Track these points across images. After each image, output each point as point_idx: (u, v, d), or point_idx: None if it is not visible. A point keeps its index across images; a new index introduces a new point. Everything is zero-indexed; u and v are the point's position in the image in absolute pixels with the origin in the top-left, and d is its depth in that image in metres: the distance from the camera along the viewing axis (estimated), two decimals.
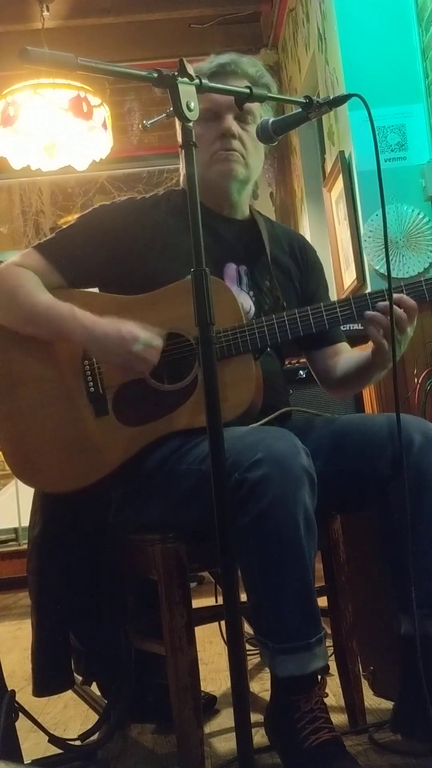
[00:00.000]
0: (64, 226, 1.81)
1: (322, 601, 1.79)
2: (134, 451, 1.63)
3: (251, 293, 1.76)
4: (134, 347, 1.58)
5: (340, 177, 3.31)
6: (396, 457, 1.55)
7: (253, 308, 1.75)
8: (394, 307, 1.56)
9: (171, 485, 1.58)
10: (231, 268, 1.76)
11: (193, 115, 1.31)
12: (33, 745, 1.78)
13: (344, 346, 1.88)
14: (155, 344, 1.60)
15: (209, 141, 1.74)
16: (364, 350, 1.74)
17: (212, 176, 1.75)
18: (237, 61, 1.76)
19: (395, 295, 1.57)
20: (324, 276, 1.96)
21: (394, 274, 3.01)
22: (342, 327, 1.84)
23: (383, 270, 3.03)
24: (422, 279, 1.59)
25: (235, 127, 1.74)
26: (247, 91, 1.47)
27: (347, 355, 1.85)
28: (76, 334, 1.64)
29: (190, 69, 1.32)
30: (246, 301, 1.74)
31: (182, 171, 1.74)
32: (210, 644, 2.57)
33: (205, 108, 1.69)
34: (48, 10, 4.47)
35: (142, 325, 1.60)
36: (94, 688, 1.97)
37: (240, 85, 1.54)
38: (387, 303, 1.56)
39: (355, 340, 2.08)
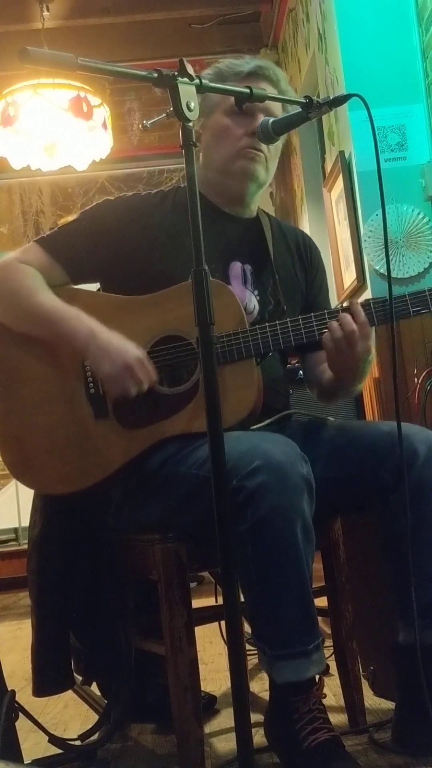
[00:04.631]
0: (68, 221, 1.80)
1: (322, 601, 1.79)
2: (133, 454, 1.62)
3: (256, 292, 1.76)
4: (131, 359, 1.57)
5: (340, 177, 3.31)
6: (399, 467, 1.54)
7: (257, 307, 1.74)
8: (350, 320, 1.54)
9: (170, 489, 1.58)
10: (236, 267, 1.76)
11: (193, 115, 1.31)
12: (33, 745, 1.78)
13: None
14: (151, 373, 1.59)
15: (237, 136, 1.73)
16: None
17: (232, 171, 1.74)
18: (275, 69, 1.76)
19: (352, 310, 1.55)
20: (326, 278, 1.96)
21: (394, 274, 3.00)
22: None
23: (383, 270, 3.03)
24: (426, 288, 1.57)
25: None
26: (247, 91, 1.47)
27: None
28: (78, 336, 1.62)
29: (190, 69, 1.32)
30: (251, 301, 1.74)
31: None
32: (210, 644, 2.57)
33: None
34: (48, 10, 4.46)
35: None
36: (94, 688, 1.97)
37: (268, 92, 1.54)
38: (345, 315, 1.55)
39: None
